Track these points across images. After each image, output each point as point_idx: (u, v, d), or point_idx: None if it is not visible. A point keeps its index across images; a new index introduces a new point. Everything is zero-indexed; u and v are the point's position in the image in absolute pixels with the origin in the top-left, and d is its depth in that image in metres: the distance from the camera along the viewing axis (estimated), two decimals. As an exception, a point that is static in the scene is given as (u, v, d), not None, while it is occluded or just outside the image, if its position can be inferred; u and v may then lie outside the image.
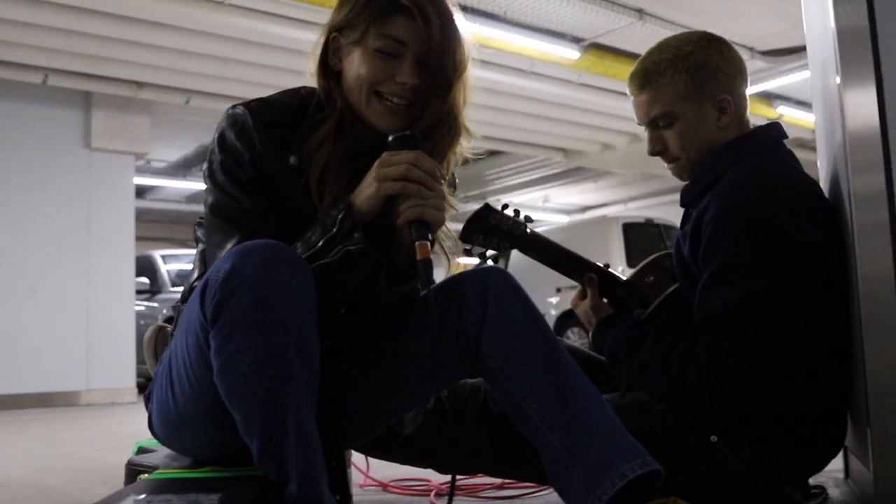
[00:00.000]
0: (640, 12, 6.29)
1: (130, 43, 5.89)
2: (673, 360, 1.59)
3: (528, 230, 1.79)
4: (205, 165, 1.47)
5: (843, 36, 1.37)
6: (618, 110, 8.29)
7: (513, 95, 7.54)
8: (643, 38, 6.52)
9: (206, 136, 8.96)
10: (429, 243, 1.32)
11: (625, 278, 1.88)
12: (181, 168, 10.96)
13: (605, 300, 1.85)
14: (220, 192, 1.42)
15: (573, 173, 12.38)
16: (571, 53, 6.65)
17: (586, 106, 8.20)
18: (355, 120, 1.45)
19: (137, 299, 7.74)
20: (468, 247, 1.74)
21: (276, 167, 1.41)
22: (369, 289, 1.44)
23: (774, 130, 1.77)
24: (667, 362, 1.60)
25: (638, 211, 13.65)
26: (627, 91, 1.83)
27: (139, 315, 7.67)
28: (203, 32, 5.76)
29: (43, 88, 6.61)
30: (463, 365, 1.43)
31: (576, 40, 6.66)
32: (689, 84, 1.73)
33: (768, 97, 8.58)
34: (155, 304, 8.26)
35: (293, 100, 1.50)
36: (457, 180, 1.64)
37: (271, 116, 1.44)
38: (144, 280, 8.25)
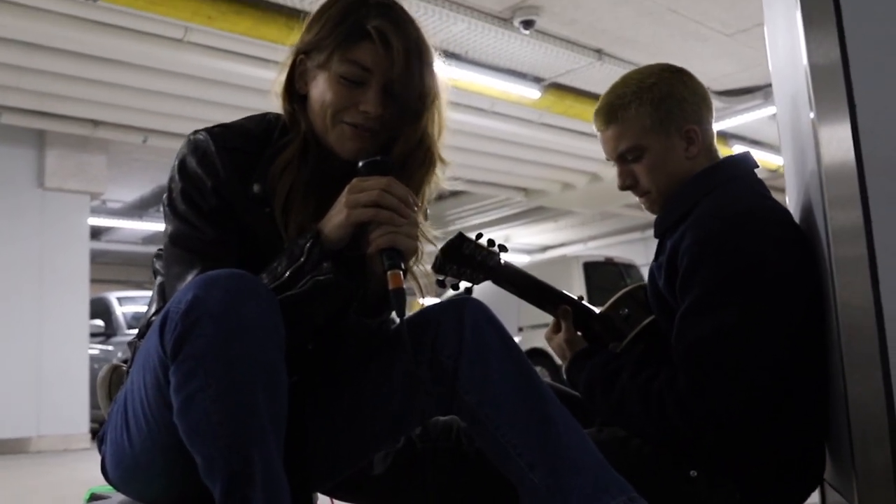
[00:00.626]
0: (599, 52, 6.36)
1: (87, 80, 5.79)
2: (652, 393, 1.56)
3: (502, 261, 1.74)
4: (164, 194, 1.41)
5: (816, 71, 1.35)
6: (578, 150, 8.35)
7: (474, 135, 7.55)
8: (602, 78, 6.59)
9: (163, 175, 8.71)
10: (402, 273, 1.26)
11: (599, 311, 1.85)
12: (138, 209, 10.79)
13: (579, 333, 1.81)
14: (181, 221, 1.36)
15: (534, 213, 12.44)
16: (532, 93, 6.68)
17: (547, 145, 8.25)
18: (320, 145, 1.40)
19: (92, 342, 7.57)
20: (441, 278, 1.69)
21: (239, 195, 1.36)
22: (339, 321, 1.38)
23: (745, 160, 1.77)
24: (645, 395, 1.56)
25: (597, 250, 13.75)
26: (594, 127, 1.82)
27: (94, 358, 7.48)
28: (161, 70, 5.70)
29: (-5, 126, 6.47)
30: (437, 401, 1.37)
31: (536, 80, 6.70)
32: (654, 116, 1.71)
33: (724, 136, 8.71)
34: (110, 348, 8.08)
35: (258, 126, 1.45)
36: (427, 211, 1.60)
37: (234, 143, 1.39)
38: (99, 322, 8.07)
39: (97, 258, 10.13)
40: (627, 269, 9.78)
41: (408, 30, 1.39)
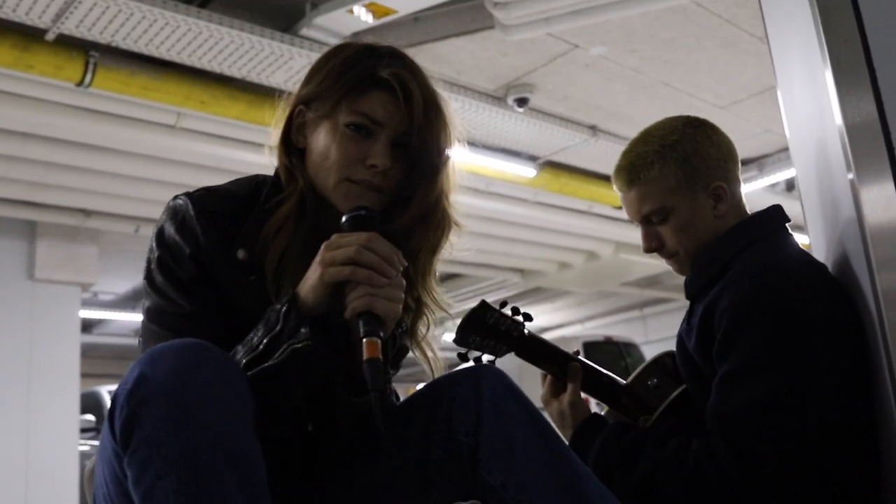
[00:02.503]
0: (593, 129, 6.35)
1: (78, 169, 5.72)
2: (687, 463, 1.42)
3: (527, 331, 1.62)
4: (143, 269, 1.29)
5: (853, 131, 1.29)
6: (574, 228, 8.29)
7: (469, 216, 7.39)
8: (597, 155, 6.58)
9: (156, 266, 8.71)
10: (379, 341, 1.12)
11: (625, 382, 1.72)
12: (130, 300, 10.63)
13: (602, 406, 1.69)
14: (158, 294, 1.24)
15: (531, 294, 12.32)
16: (527, 171, 6.64)
17: (543, 224, 8.18)
18: (320, 202, 1.28)
19: (82, 438, 7.29)
20: (463, 351, 1.56)
21: (220, 263, 1.24)
22: (328, 401, 1.23)
23: (777, 213, 1.66)
24: (679, 467, 1.43)
25: (596, 330, 13.61)
26: (615, 186, 1.73)
27: (84, 455, 7.20)
28: (153, 157, 5.63)
29: (-16, 218, 6.38)
30: (456, 484, 1.22)
31: (531, 158, 6.66)
32: (679, 175, 1.63)
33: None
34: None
35: (245, 188, 1.33)
36: (437, 275, 1.48)
37: (216, 206, 1.27)
38: (90, 417, 7.82)
39: (88, 352, 9.93)
40: (627, 348, 9.66)
41: (424, 80, 1.30)
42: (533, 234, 8.56)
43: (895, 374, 1.25)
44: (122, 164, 5.70)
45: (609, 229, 8.26)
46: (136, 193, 6.23)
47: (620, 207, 6.49)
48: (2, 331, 6.57)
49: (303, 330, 1.13)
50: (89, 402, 8.05)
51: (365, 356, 1.10)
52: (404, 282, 1.19)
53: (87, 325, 10.84)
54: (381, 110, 1.26)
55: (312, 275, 1.17)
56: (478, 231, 8.54)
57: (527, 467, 1.16)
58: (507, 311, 1.61)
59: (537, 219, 8.02)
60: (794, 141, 1.96)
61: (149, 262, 1.27)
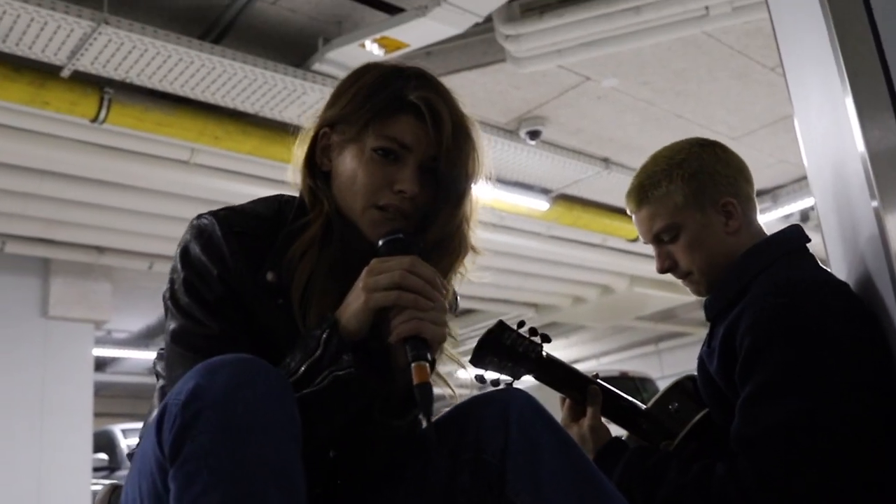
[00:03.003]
0: (606, 161, 6.35)
1: (92, 206, 5.74)
2: (711, 488, 1.38)
3: (545, 353, 1.59)
4: (166, 287, 1.27)
5: (875, 159, 1.28)
6: (588, 262, 8.25)
7: (483, 250, 7.43)
8: (610, 188, 6.57)
9: (169, 303, 8.71)
10: (428, 365, 1.10)
11: (646, 407, 1.68)
12: (143, 338, 10.63)
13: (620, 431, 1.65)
14: (183, 315, 1.21)
15: (546, 329, 12.15)
16: (540, 204, 6.63)
17: (556, 258, 8.15)
18: (346, 226, 1.26)
19: (95, 477, 7.23)
20: (480, 373, 1.53)
21: (248, 284, 1.21)
22: (362, 424, 1.21)
23: (796, 233, 1.64)
24: (703, 493, 1.40)
25: (611, 365, 13.49)
26: (627, 209, 1.72)
27: (96, 494, 7.16)
28: (167, 193, 5.65)
29: (0, 256, 6.39)
30: None
31: (544, 191, 6.66)
32: (686, 192, 1.62)
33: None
34: (114, 482, 7.76)
35: (269, 208, 1.31)
36: (458, 300, 1.45)
37: (243, 226, 1.24)
38: (103, 456, 7.77)
39: (101, 390, 9.91)
40: (643, 383, 9.54)
41: (453, 103, 1.28)
42: (547, 269, 8.52)
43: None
44: (135, 200, 5.72)
45: (623, 263, 8.22)
46: (150, 230, 6.25)
47: (635, 240, 6.46)
48: (15, 368, 6.55)
49: (345, 357, 1.12)
50: (102, 441, 8.01)
51: (415, 381, 1.08)
52: (447, 306, 1.17)
53: (101, 364, 10.83)
54: (410, 134, 1.24)
55: (355, 301, 1.15)
56: (491, 265, 8.44)
57: (555, 490, 1.13)
58: (525, 331, 1.58)
59: (551, 252, 7.99)
60: (812, 169, 1.94)
61: (172, 282, 1.24)
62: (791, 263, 1.56)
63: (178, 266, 1.24)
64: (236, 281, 1.21)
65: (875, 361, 1.39)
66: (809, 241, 1.65)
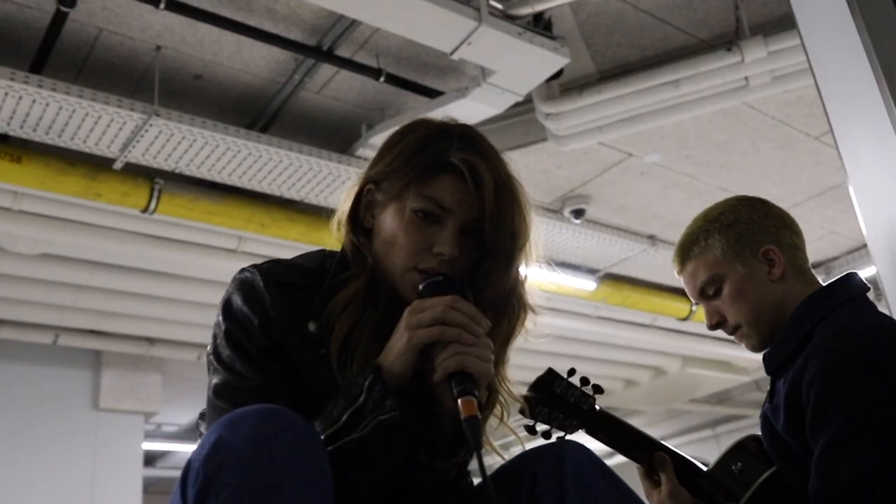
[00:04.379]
0: (652, 238, 6.30)
1: (142, 296, 5.82)
2: None
3: (597, 406, 1.54)
4: (210, 344, 1.26)
5: None
6: (638, 343, 8.10)
7: (526, 340, 7.34)
8: (657, 265, 6.49)
9: (218, 395, 8.72)
10: (475, 401, 1.08)
11: (707, 468, 1.62)
12: (193, 431, 10.59)
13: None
14: (225, 369, 1.20)
15: (597, 415, 12.01)
16: (588, 284, 6.57)
17: (606, 340, 8.03)
18: (387, 282, 1.25)
19: (143, 574, 7.16)
20: (531, 423, 1.48)
21: (291, 335, 1.20)
22: (406, 471, 1.17)
23: (855, 280, 1.59)
24: None
25: (667, 451, 13.11)
26: (675, 272, 1.73)
27: (144, 592, 7.06)
28: (216, 282, 5.71)
29: (53, 349, 6.46)
30: None
31: (591, 271, 6.61)
32: (725, 244, 1.65)
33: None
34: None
35: (312, 261, 1.31)
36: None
37: (286, 277, 1.25)
38: (152, 553, 7.70)
39: (151, 486, 9.85)
40: (702, 468, 9.25)
41: (496, 164, 1.27)
42: (596, 351, 8.39)
43: None
44: (184, 289, 5.79)
45: (674, 343, 8.06)
46: (199, 320, 6.29)
47: (685, 319, 6.32)
48: (67, 461, 6.55)
49: (388, 402, 1.10)
50: (152, 537, 7.94)
51: (463, 415, 1.06)
52: (491, 343, 1.15)
53: (150, 458, 10.80)
54: (450, 196, 1.23)
55: (398, 342, 1.14)
56: (540, 349, 8.37)
57: None
58: (576, 380, 1.54)
59: (600, 334, 7.87)
60: (871, 235, 1.89)
61: (215, 336, 1.25)
62: (852, 310, 1.52)
63: (221, 319, 1.24)
64: (278, 331, 1.20)
65: None
66: (869, 289, 1.60)
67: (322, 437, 1.09)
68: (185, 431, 10.65)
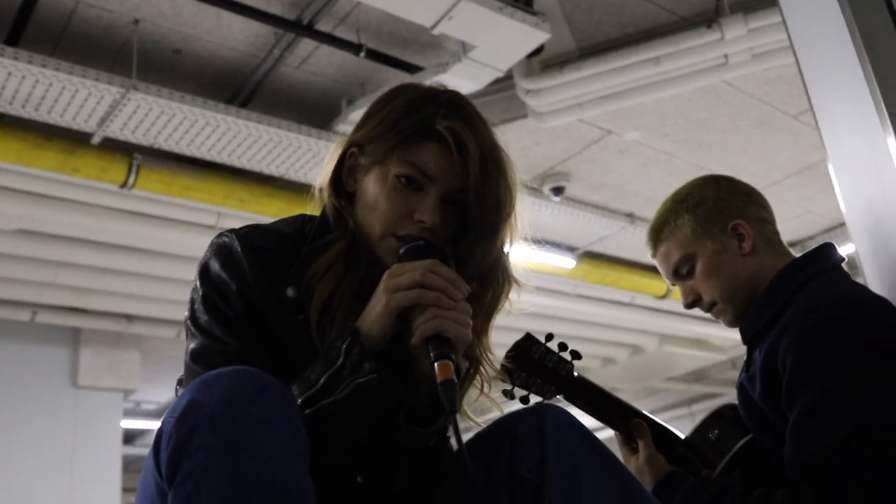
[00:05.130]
0: (630, 216, 6.33)
1: (121, 273, 5.78)
2: None
3: (575, 372, 1.56)
4: (187, 309, 1.25)
5: None
6: (616, 321, 8.16)
7: (509, 312, 7.37)
8: (635, 243, 6.52)
9: (197, 373, 8.69)
10: (452, 364, 1.07)
11: (685, 436, 1.64)
12: (172, 410, 10.58)
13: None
14: (203, 334, 1.19)
15: (575, 394, 12.08)
16: (567, 262, 6.60)
17: (584, 318, 8.07)
18: (367, 247, 1.24)
19: (123, 551, 7.16)
20: (508, 387, 1.49)
21: (269, 300, 1.19)
22: (388, 437, 1.18)
23: (831, 251, 1.61)
24: None
25: (645, 429, 13.23)
26: (649, 254, 1.77)
27: (123, 568, 7.06)
28: (194, 258, 5.63)
29: (31, 326, 6.42)
30: None
31: (569, 249, 6.63)
32: (693, 222, 1.66)
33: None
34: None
35: (291, 226, 1.30)
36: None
37: (264, 242, 1.23)
38: (131, 530, 7.69)
39: (130, 465, 9.81)
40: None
41: (483, 133, 1.25)
42: (575, 329, 8.43)
43: None
44: (164, 266, 5.76)
45: (652, 321, 8.12)
46: (178, 296, 6.25)
47: (663, 297, 6.35)
48: (45, 440, 6.52)
49: (367, 365, 1.09)
50: (131, 515, 7.93)
51: (439, 378, 1.06)
52: (470, 308, 1.15)
53: (130, 437, 10.77)
54: (433, 163, 1.22)
55: (377, 304, 1.13)
56: (518, 327, 8.40)
57: (596, 503, 1.08)
58: (554, 346, 1.55)
59: (578, 312, 7.91)
60: (850, 213, 1.91)
61: (192, 301, 1.24)
62: (829, 280, 1.54)
63: (198, 284, 1.23)
64: (256, 296, 1.19)
65: None
66: (843, 259, 1.62)
67: (299, 401, 1.08)
68: (164, 409, 10.62)
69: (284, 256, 1.23)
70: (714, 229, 1.66)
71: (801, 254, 1.66)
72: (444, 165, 1.22)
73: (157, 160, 4.65)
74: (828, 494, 1.28)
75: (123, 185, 4.58)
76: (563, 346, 1.57)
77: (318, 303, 1.20)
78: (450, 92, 1.30)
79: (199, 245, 5.44)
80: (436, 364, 1.07)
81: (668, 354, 9.08)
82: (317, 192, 1.33)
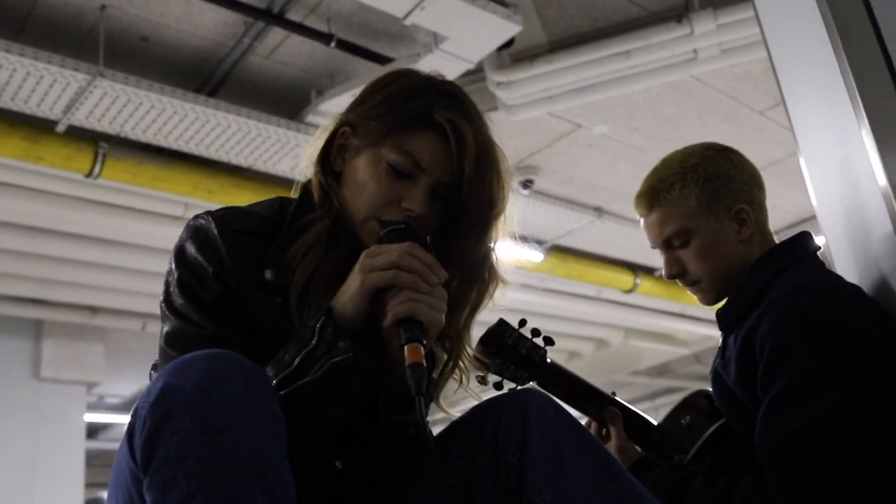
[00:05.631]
0: (598, 210, 6.36)
1: (85, 264, 5.70)
2: (735, 500, 1.34)
3: (548, 359, 1.56)
4: (162, 291, 1.24)
5: None
6: (582, 314, 8.20)
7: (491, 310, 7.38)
8: (603, 238, 6.58)
9: (162, 366, 8.60)
10: (422, 348, 1.06)
11: (657, 422, 1.66)
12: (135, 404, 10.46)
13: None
14: (178, 317, 1.17)
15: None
16: (535, 256, 6.62)
17: (551, 312, 8.10)
18: (350, 228, 1.24)
19: (85, 546, 7.08)
20: (482, 373, 1.49)
21: (246, 283, 1.18)
22: (367, 422, 1.17)
23: (807, 239, 1.63)
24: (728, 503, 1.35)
25: (609, 423, 13.33)
26: (637, 212, 1.70)
27: (86, 563, 6.98)
28: (160, 250, 5.61)
29: (-9, 318, 6.32)
30: None
31: (537, 242, 6.65)
32: (700, 196, 1.60)
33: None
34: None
35: (269, 209, 1.28)
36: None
37: (241, 225, 1.22)
38: (93, 524, 7.62)
39: (93, 459, 9.69)
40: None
41: (481, 128, 1.25)
42: (541, 322, 8.32)
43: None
44: (128, 257, 5.69)
45: (618, 315, 8.18)
46: (144, 288, 6.19)
47: (630, 291, 6.39)
48: (6, 433, 6.42)
49: (341, 344, 1.08)
50: (93, 509, 7.86)
51: (407, 361, 1.05)
52: (445, 293, 1.14)
53: (93, 431, 10.64)
54: (428, 154, 1.21)
55: (352, 284, 1.12)
56: (484, 321, 8.40)
57: (578, 487, 1.08)
58: (528, 332, 1.55)
59: (545, 306, 7.93)
60: (822, 207, 1.92)
61: (167, 283, 1.22)
62: (805, 269, 1.55)
63: (173, 266, 1.22)
64: (233, 279, 1.18)
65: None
66: (819, 248, 1.64)
67: (274, 383, 1.07)
68: (128, 403, 10.50)
69: (262, 239, 1.22)
70: (719, 208, 1.60)
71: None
72: (438, 157, 1.21)
73: (123, 149, 4.59)
74: (791, 478, 1.29)
75: (89, 175, 4.51)
76: (536, 332, 1.57)
77: (299, 283, 1.19)
78: (448, 82, 1.30)
79: (165, 236, 5.40)
80: (405, 347, 1.07)
81: (633, 348, 9.16)
82: (303, 166, 1.31)
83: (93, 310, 6.62)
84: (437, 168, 1.21)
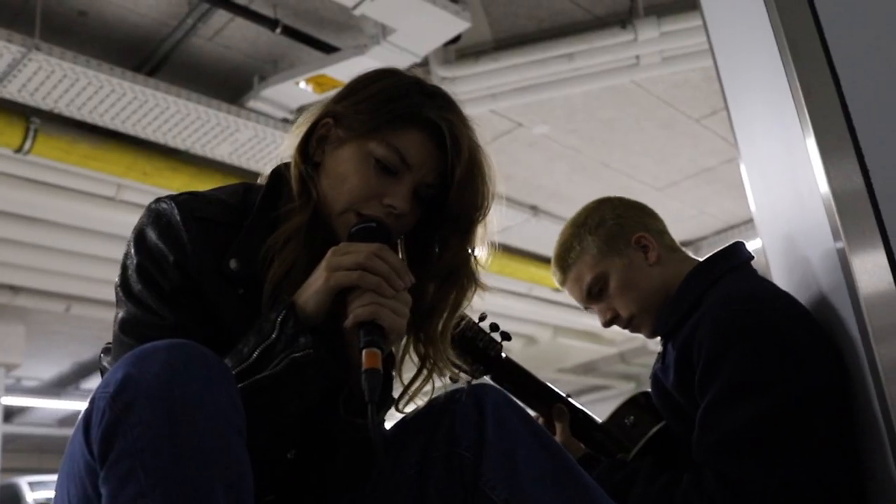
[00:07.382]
0: (534, 209, 6.43)
1: (7, 241, 5.52)
2: (676, 499, 1.38)
3: (503, 354, 1.58)
4: (118, 274, 1.21)
5: (840, 199, 1.28)
6: (513, 311, 8.26)
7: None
8: (537, 235, 6.63)
9: (84, 350, 8.40)
10: (380, 353, 1.05)
11: (601, 421, 1.69)
12: (55, 387, 10.17)
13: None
14: (135, 303, 1.14)
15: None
16: (469, 251, 6.64)
17: (481, 307, 8.13)
18: (326, 220, 1.22)
19: (-2, 531, 6.89)
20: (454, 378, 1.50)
21: (208, 273, 1.15)
22: (327, 420, 1.16)
23: (741, 249, 1.69)
24: (668, 501, 1.39)
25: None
26: (558, 284, 1.81)
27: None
28: (90, 231, 5.49)
29: None
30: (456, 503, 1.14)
31: (473, 238, 6.67)
32: (598, 243, 1.71)
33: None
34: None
35: (233, 196, 1.25)
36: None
37: (205, 212, 1.19)
38: (7, 510, 7.40)
39: (8, 443, 9.41)
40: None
41: (472, 131, 1.25)
42: (472, 317, 8.51)
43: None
44: (55, 236, 5.54)
45: (548, 312, 8.28)
46: (70, 269, 6.03)
47: (560, 289, 6.54)
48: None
49: (302, 339, 1.07)
50: (7, 495, 7.63)
51: (364, 366, 1.04)
52: (410, 298, 1.14)
53: (9, 414, 10.32)
54: (416, 152, 1.20)
55: (316, 280, 1.11)
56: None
57: (532, 482, 1.10)
58: (486, 325, 1.57)
59: (475, 302, 7.97)
60: (760, 212, 1.97)
61: (125, 267, 1.18)
62: (739, 277, 1.61)
63: (132, 251, 1.18)
64: (195, 268, 1.15)
65: (828, 366, 1.42)
66: (752, 257, 1.70)
67: (223, 361, 1.04)
68: (47, 387, 10.21)
69: (227, 227, 1.19)
70: (619, 245, 1.72)
71: (694, 254, 1.75)
72: (425, 156, 1.21)
73: (56, 125, 4.46)
74: (727, 478, 1.34)
75: (18, 150, 4.37)
76: (494, 327, 1.59)
77: (276, 275, 1.16)
78: (434, 85, 1.30)
79: (96, 217, 5.27)
80: (363, 351, 1.06)
81: (560, 346, 9.28)
82: (283, 152, 1.29)
83: (14, 289, 6.42)
84: (423, 167, 1.21)
